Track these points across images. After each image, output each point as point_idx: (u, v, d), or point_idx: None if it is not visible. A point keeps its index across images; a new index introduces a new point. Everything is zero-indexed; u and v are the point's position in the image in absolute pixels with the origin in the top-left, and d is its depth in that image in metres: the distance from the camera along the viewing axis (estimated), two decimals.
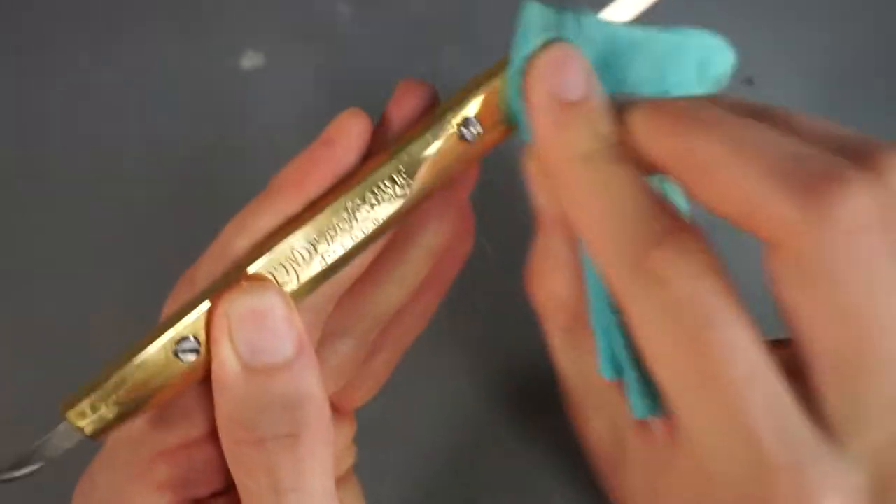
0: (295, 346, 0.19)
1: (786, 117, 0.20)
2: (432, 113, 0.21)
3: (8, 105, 0.37)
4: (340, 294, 0.23)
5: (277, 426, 0.19)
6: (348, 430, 0.27)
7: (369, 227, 0.21)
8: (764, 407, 0.17)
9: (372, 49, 0.37)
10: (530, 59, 0.20)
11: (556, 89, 0.19)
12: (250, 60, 0.37)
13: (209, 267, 0.21)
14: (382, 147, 0.22)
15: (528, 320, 0.34)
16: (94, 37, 0.37)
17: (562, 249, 0.21)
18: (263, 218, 0.21)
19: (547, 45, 0.20)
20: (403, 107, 0.22)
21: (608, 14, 0.22)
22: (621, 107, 0.20)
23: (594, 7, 0.22)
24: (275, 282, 0.20)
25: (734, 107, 0.20)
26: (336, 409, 0.26)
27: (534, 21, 0.20)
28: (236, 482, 0.20)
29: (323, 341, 0.24)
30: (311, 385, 0.20)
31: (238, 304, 0.19)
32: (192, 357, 0.20)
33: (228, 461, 0.20)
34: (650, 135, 0.19)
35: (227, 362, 0.19)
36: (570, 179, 0.19)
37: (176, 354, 0.20)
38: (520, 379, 0.34)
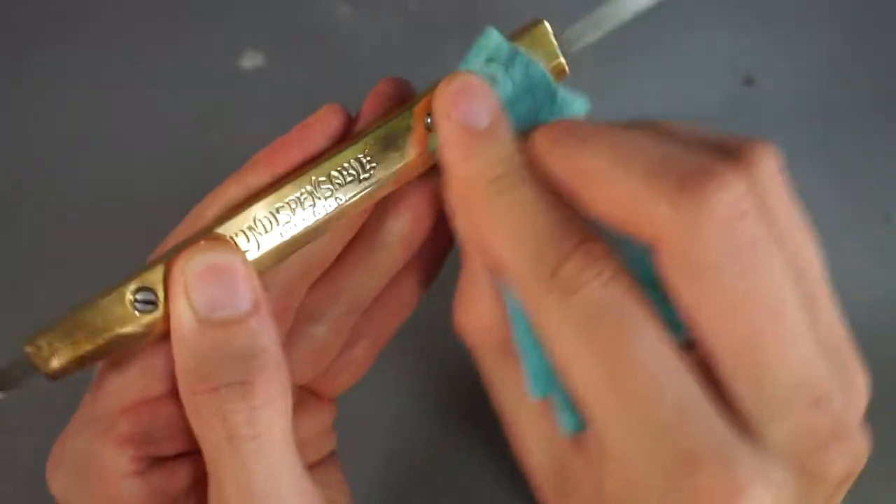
0: (250, 302, 0.20)
1: (663, 125, 0.20)
2: (404, 105, 0.22)
3: (8, 105, 0.37)
4: (313, 279, 0.24)
5: (231, 374, 0.20)
6: (327, 416, 0.28)
7: (331, 206, 0.21)
8: (677, 407, 0.17)
9: (372, 49, 0.37)
10: (436, 89, 0.21)
11: (462, 118, 0.20)
12: (250, 60, 0.37)
13: (181, 236, 0.22)
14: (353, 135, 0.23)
15: None
16: (94, 37, 0.38)
17: (483, 275, 0.22)
18: (232, 189, 0.22)
19: (452, 76, 0.21)
20: (378, 100, 0.23)
21: (600, 15, 0.22)
22: (528, 132, 0.21)
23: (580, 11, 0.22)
24: (234, 244, 0.21)
25: (616, 123, 0.21)
26: (317, 394, 0.27)
27: (485, 47, 0.21)
28: (196, 436, 0.21)
29: (297, 325, 0.24)
30: (266, 339, 0.20)
31: (195, 260, 0.20)
32: (148, 309, 0.21)
33: (188, 414, 0.21)
34: (545, 152, 0.20)
35: (183, 316, 0.20)
36: (480, 204, 0.20)
37: (133, 306, 0.21)
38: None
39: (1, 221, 0.35)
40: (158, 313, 0.21)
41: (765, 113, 0.37)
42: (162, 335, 0.21)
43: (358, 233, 0.24)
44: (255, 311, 0.20)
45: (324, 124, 0.22)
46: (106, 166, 0.36)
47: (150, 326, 0.21)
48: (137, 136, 0.36)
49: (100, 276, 0.21)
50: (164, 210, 0.36)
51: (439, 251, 0.26)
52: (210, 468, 0.21)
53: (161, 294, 0.21)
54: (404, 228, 0.24)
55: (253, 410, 0.20)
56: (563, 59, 0.22)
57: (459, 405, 0.34)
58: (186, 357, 0.20)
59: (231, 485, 0.20)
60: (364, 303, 0.25)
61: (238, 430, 0.20)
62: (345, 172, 0.21)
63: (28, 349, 0.21)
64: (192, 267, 0.20)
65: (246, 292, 0.20)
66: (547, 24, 0.22)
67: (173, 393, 0.22)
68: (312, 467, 0.26)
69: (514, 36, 0.22)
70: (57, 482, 0.22)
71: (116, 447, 0.21)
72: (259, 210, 0.21)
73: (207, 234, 0.21)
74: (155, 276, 0.21)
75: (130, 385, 0.21)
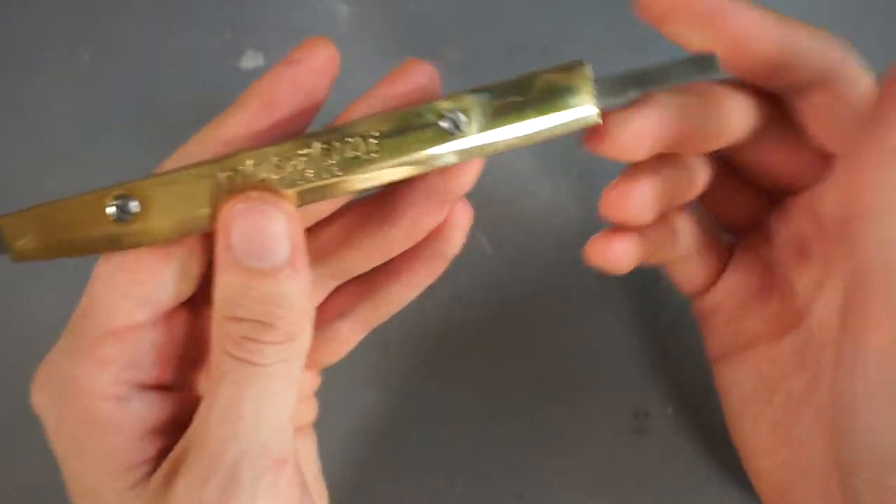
0: (285, 257, 0.21)
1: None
2: (431, 96, 0.22)
3: (8, 105, 0.37)
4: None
5: (255, 313, 0.21)
6: (311, 383, 0.29)
7: (329, 176, 0.21)
8: None
9: (372, 49, 0.37)
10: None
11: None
12: (250, 60, 0.37)
13: (173, 166, 0.22)
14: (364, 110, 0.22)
15: (528, 319, 0.34)
16: (94, 36, 0.38)
17: None
18: (229, 127, 0.22)
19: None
20: (399, 81, 0.23)
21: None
22: None
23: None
24: (290, 195, 0.21)
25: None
26: None
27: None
28: (212, 348, 0.21)
29: None
30: (295, 290, 0.21)
31: (238, 207, 0.21)
32: (125, 217, 0.21)
33: (213, 327, 0.21)
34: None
35: (223, 252, 0.21)
36: None
37: (109, 210, 0.21)
38: (521, 378, 0.34)
39: None
40: (136, 226, 0.21)
41: None
42: (137, 247, 0.21)
43: (354, 204, 0.24)
44: (287, 264, 0.21)
45: (314, 59, 0.22)
46: (105, 166, 0.36)
47: (124, 236, 0.21)
48: (137, 137, 0.36)
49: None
50: None
51: (439, 257, 0.26)
52: (211, 384, 0.21)
53: (142, 209, 0.21)
54: (407, 220, 0.24)
55: (267, 345, 0.21)
56: (598, 111, 0.22)
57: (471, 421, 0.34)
58: (222, 284, 0.21)
59: (221, 400, 0.21)
60: (349, 272, 0.26)
61: (247, 356, 0.21)
62: (348, 145, 0.21)
63: (1, 221, 0.21)
64: (237, 216, 0.21)
65: (283, 247, 0.21)
66: (588, 68, 0.22)
67: (158, 321, 0.22)
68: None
69: (550, 72, 0.22)
70: (39, 400, 0.22)
71: (98, 368, 0.21)
72: (256, 157, 0.21)
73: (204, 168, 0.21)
74: (139, 189, 0.21)
75: (117, 308, 0.22)
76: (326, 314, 0.27)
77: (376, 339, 0.33)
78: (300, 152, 0.21)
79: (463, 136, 0.21)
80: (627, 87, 0.22)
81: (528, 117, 0.21)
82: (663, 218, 0.27)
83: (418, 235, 0.24)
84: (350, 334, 0.27)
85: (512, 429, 0.33)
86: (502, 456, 0.33)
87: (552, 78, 0.22)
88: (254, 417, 0.21)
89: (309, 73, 0.22)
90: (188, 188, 0.21)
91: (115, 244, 0.21)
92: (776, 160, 0.27)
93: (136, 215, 0.21)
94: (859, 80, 0.25)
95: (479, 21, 0.37)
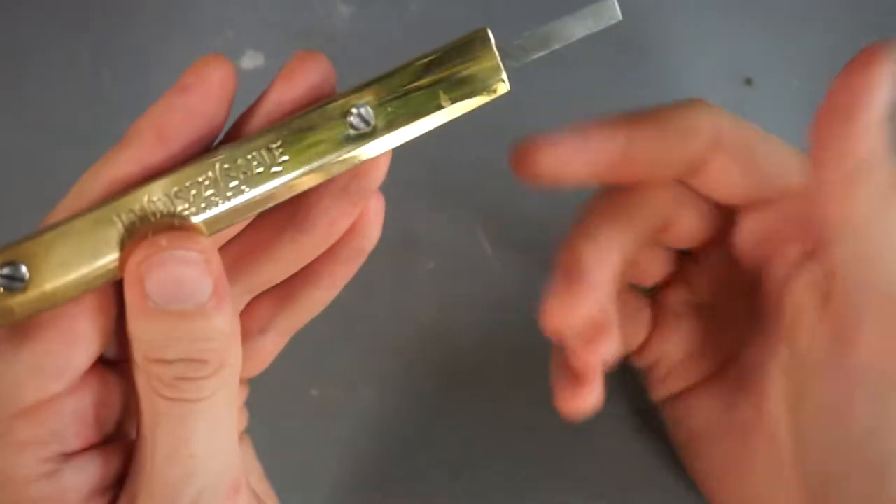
0: (209, 293, 0.19)
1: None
2: (327, 96, 0.20)
3: (9, 105, 0.37)
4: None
5: (185, 352, 0.19)
6: (240, 395, 0.27)
7: (237, 195, 0.20)
8: None
9: (372, 49, 0.37)
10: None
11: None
12: (250, 60, 0.37)
13: (62, 214, 0.20)
14: (263, 118, 0.21)
15: (528, 318, 0.34)
16: (94, 37, 0.38)
17: None
18: (121, 165, 0.20)
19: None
20: (293, 80, 0.21)
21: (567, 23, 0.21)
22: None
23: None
24: (199, 226, 0.20)
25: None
26: None
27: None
28: (139, 394, 0.20)
29: None
30: (222, 322, 0.20)
31: (154, 262, 0.19)
32: (16, 287, 0.19)
33: (135, 371, 0.20)
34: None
35: (137, 302, 0.19)
36: None
37: None
38: (521, 377, 0.34)
39: None
40: (30, 292, 0.19)
41: (765, 113, 0.37)
42: (35, 316, 0.19)
43: (265, 214, 0.22)
44: (211, 298, 0.19)
45: (207, 84, 0.20)
46: None
47: (17, 306, 0.19)
48: None
49: None
50: None
51: (355, 253, 0.25)
52: (145, 429, 0.20)
53: (33, 273, 0.19)
54: (318, 224, 0.23)
55: (203, 380, 0.20)
56: (504, 76, 0.21)
57: (455, 404, 0.34)
58: (139, 330, 0.19)
59: (164, 444, 0.20)
60: (265, 285, 0.24)
61: (184, 395, 0.20)
62: (253, 162, 0.20)
63: None
64: (150, 270, 0.19)
65: (204, 285, 0.19)
66: (490, 33, 0.21)
67: (78, 388, 0.21)
68: None
69: (453, 44, 0.21)
70: None
71: (17, 453, 0.20)
72: (154, 192, 0.19)
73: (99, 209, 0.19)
74: (26, 251, 0.19)
75: (22, 385, 0.20)
76: (246, 330, 0.25)
77: (378, 339, 0.33)
78: (200, 178, 0.19)
79: (372, 131, 0.20)
80: (533, 49, 0.21)
81: (437, 98, 0.20)
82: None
83: (334, 238, 0.23)
84: (273, 346, 0.26)
85: (514, 425, 0.33)
86: (504, 452, 0.33)
87: (455, 52, 0.20)
88: (206, 452, 0.20)
89: (203, 98, 0.20)
90: (84, 239, 0.19)
91: (7, 317, 0.19)
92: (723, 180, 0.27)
93: (28, 281, 0.19)
94: (737, 140, 0.26)
95: (479, 21, 0.37)
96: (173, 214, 0.19)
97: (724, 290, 0.29)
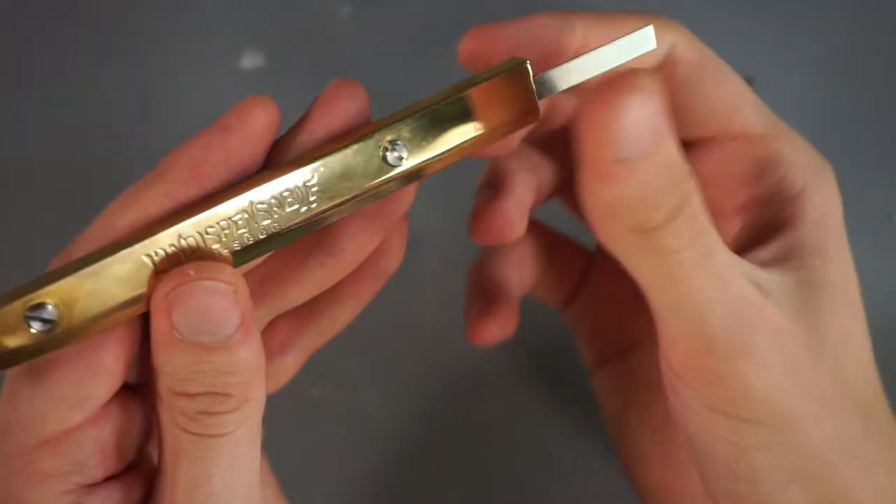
0: (235, 326, 0.19)
1: None
2: (360, 126, 0.20)
3: (9, 104, 0.37)
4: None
5: (210, 386, 0.19)
6: None
7: (270, 231, 0.20)
8: None
9: (372, 49, 0.37)
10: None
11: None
12: (250, 60, 0.37)
13: (88, 246, 0.20)
14: (297, 148, 0.21)
15: (529, 318, 0.34)
16: (94, 37, 0.38)
17: None
18: (151, 199, 0.20)
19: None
20: (330, 111, 0.21)
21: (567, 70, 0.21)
22: None
23: None
24: (227, 256, 0.19)
25: None
26: None
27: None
28: (161, 427, 0.20)
29: None
30: (249, 354, 0.19)
31: (182, 293, 0.19)
32: (45, 329, 0.18)
33: (157, 403, 0.20)
34: None
35: (163, 332, 0.19)
36: None
37: (27, 321, 0.18)
38: (523, 376, 0.34)
39: None
40: (57, 333, 0.19)
41: None
42: (62, 348, 0.19)
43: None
44: (237, 331, 0.19)
45: (249, 126, 0.20)
46: (105, 165, 0.36)
47: (48, 342, 0.19)
48: (138, 136, 0.36)
49: None
50: None
51: (378, 275, 0.25)
52: (166, 464, 0.20)
53: (62, 313, 0.18)
54: (346, 250, 0.22)
55: (226, 414, 0.19)
56: (539, 108, 0.21)
57: (461, 406, 0.34)
58: (163, 362, 0.19)
59: (184, 480, 0.20)
60: (288, 306, 0.24)
61: (207, 430, 0.19)
62: (287, 199, 0.20)
63: None
64: (178, 300, 0.19)
65: (232, 317, 0.19)
66: (529, 65, 0.20)
67: (99, 418, 0.20)
68: None
69: (490, 71, 0.20)
70: None
71: (39, 484, 0.20)
72: (186, 229, 0.19)
73: (123, 246, 0.19)
74: (56, 291, 0.18)
75: (44, 415, 0.19)
76: (267, 349, 0.25)
77: (378, 339, 0.33)
78: (233, 216, 0.19)
79: (407, 164, 0.20)
80: (570, 78, 0.21)
81: (471, 130, 0.20)
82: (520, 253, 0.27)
83: (360, 261, 0.23)
84: (293, 364, 0.26)
85: (515, 425, 0.33)
86: (504, 452, 0.33)
87: (492, 84, 0.20)
88: (226, 490, 0.20)
89: (244, 141, 0.20)
90: (114, 278, 0.19)
91: (41, 353, 0.19)
92: None
93: (56, 322, 0.19)
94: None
95: (479, 21, 0.37)
96: (201, 249, 0.19)
97: None
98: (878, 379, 0.23)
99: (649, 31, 0.21)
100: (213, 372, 0.19)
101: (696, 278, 0.19)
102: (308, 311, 0.25)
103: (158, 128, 0.36)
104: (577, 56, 0.21)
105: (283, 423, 0.31)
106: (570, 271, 0.29)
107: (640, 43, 0.21)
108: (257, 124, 0.20)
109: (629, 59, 0.21)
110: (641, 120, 0.18)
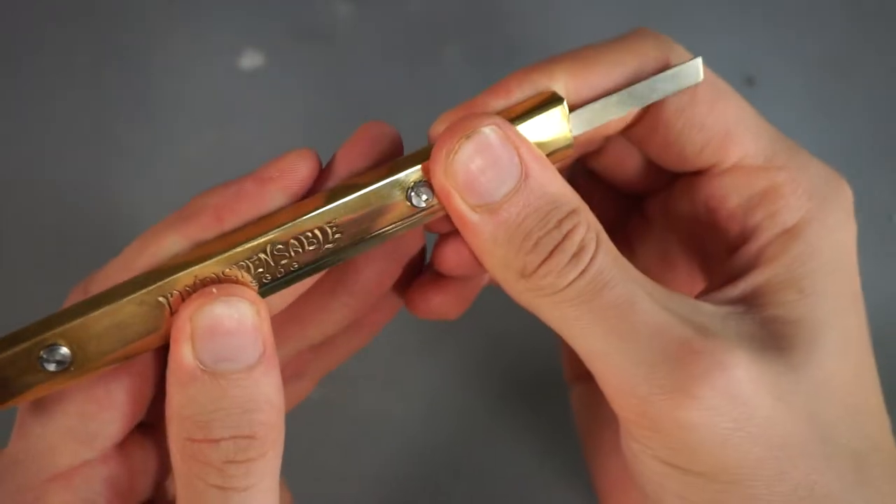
0: (258, 355, 0.19)
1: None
2: (383, 168, 0.20)
3: (9, 105, 0.37)
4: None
5: (234, 427, 0.18)
6: None
7: (286, 271, 0.19)
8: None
9: (372, 49, 0.37)
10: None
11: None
12: (250, 60, 0.37)
13: (105, 281, 0.20)
14: (323, 188, 0.20)
15: (531, 320, 0.34)
16: (94, 37, 0.38)
17: None
18: (172, 240, 0.19)
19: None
20: (357, 153, 0.20)
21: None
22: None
23: None
24: (249, 282, 0.19)
25: None
26: None
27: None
28: (179, 478, 0.19)
29: None
30: (271, 389, 0.19)
31: (205, 311, 0.18)
32: (59, 369, 0.19)
33: (175, 456, 0.19)
34: None
35: (185, 363, 0.18)
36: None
37: (40, 361, 0.18)
38: (524, 376, 0.34)
39: None
40: (71, 372, 0.19)
41: (765, 113, 0.37)
42: (72, 384, 0.19)
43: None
44: (261, 362, 0.19)
45: (288, 179, 0.20)
46: (104, 165, 0.36)
47: (62, 379, 0.19)
48: (137, 136, 0.36)
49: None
50: (162, 210, 0.36)
51: (393, 306, 0.25)
52: None
53: (76, 353, 0.19)
54: (365, 282, 0.22)
55: (251, 462, 0.19)
56: (572, 142, 0.20)
57: (479, 403, 0.34)
58: (184, 403, 0.18)
59: None
60: (311, 343, 0.24)
61: (232, 482, 0.18)
62: (306, 240, 0.19)
63: None
64: (201, 319, 0.18)
65: (256, 344, 0.19)
66: (566, 103, 0.20)
67: (111, 456, 0.20)
68: None
69: (524, 106, 0.20)
70: None
71: None
72: (203, 271, 0.19)
73: (142, 284, 0.19)
74: (72, 332, 0.18)
75: (59, 449, 0.19)
76: (284, 374, 0.25)
77: (378, 339, 0.33)
78: (251, 258, 0.19)
79: (430, 204, 0.19)
80: (609, 112, 0.20)
81: None
82: None
83: (380, 296, 0.23)
84: (307, 386, 0.26)
85: (516, 424, 0.33)
86: (505, 452, 0.33)
87: (529, 126, 0.19)
88: None
89: (279, 193, 0.20)
90: (130, 319, 0.19)
91: (54, 388, 0.19)
92: (626, 169, 0.25)
93: (71, 362, 0.19)
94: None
95: (479, 21, 0.37)
96: (225, 275, 0.19)
97: (665, 256, 0.25)
98: (884, 425, 0.21)
99: (698, 63, 0.20)
100: (237, 409, 0.18)
101: (597, 315, 0.19)
102: (326, 340, 0.25)
103: (158, 128, 0.36)
104: (619, 90, 0.20)
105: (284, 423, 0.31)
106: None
107: (690, 75, 0.20)
108: (296, 178, 0.20)
109: (674, 91, 0.20)
110: (484, 166, 0.18)
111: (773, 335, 0.19)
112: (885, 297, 0.35)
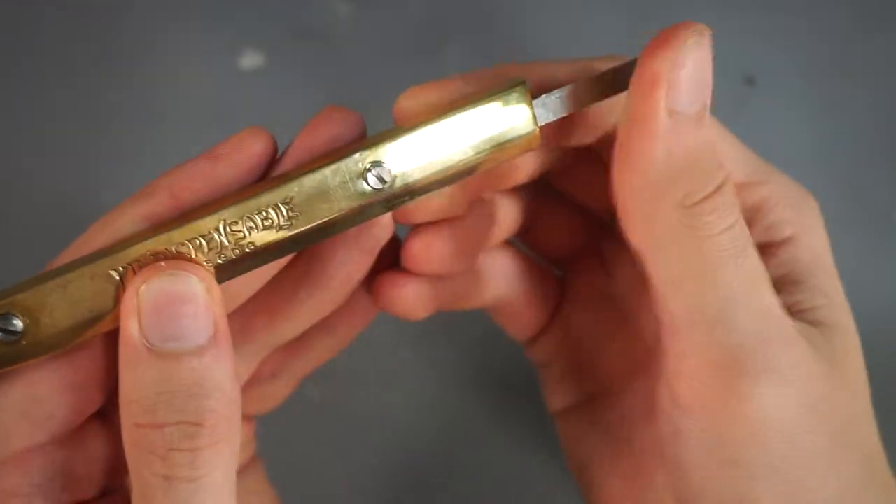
0: (208, 335, 0.18)
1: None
2: (342, 150, 0.19)
3: (9, 105, 0.37)
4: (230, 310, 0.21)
5: (180, 412, 0.18)
6: (247, 429, 0.26)
7: (242, 251, 0.19)
8: None
9: (372, 49, 0.37)
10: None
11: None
12: (250, 60, 0.37)
13: (64, 261, 0.19)
14: (281, 170, 0.20)
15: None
16: (94, 37, 0.37)
17: None
18: (128, 218, 0.19)
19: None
20: (317, 135, 0.20)
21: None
22: None
23: None
24: (202, 261, 0.19)
25: None
26: None
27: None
28: (129, 467, 0.18)
29: None
30: (221, 375, 0.18)
31: (153, 284, 0.18)
32: (9, 339, 0.18)
33: (125, 442, 0.18)
34: None
35: (132, 340, 0.18)
36: None
37: None
38: (523, 376, 0.34)
39: None
40: (25, 341, 0.18)
41: (766, 113, 0.37)
42: (28, 362, 0.19)
43: (279, 273, 0.22)
44: (212, 344, 0.18)
45: (239, 156, 0.19)
46: (104, 164, 0.36)
47: (12, 354, 0.18)
48: (137, 136, 0.36)
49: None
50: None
51: (371, 298, 0.24)
52: None
53: (28, 324, 0.18)
54: (333, 273, 0.22)
55: (198, 451, 0.18)
56: (537, 132, 0.19)
57: (482, 397, 0.34)
58: (132, 385, 0.18)
59: None
60: (281, 341, 0.23)
61: (178, 472, 0.18)
62: (261, 220, 0.19)
63: None
64: (149, 292, 0.18)
65: (205, 324, 0.18)
66: (526, 88, 0.19)
67: (70, 439, 0.20)
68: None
69: (487, 92, 0.19)
70: None
71: (3, 501, 0.19)
72: (156, 245, 0.18)
73: (95, 262, 0.18)
74: (22, 302, 0.18)
75: (12, 431, 0.19)
76: (258, 374, 0.24)
77: (378, 339, 0.33)
78: (204, 233, 0.19)
79: (389, 188, 0.19)
80: (572, 104, 0.20)
81: (463, 155, 0.19)
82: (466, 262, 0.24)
83: (349, 290, 0.22)
84: (285, 388, 0.26)
85: (515, 424, 0.33)
86: (504, 452, 0.33)
87: (489, 108, 0.19)
88: None
89: (232, 169, 0.19)
90: (81, 291, 0.18)
91: (5, 364, 0.18)
92: (596, 188, 0.24)
93: (22, 333, 0.18)
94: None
95: (479, 21, 0.37)
96: (179, 253, 0.19)
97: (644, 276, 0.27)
98: (875, 430, 0.21)
99: (634, 64, 0.19)
100: (184, 392, 0.18)
101: (729, 273, 0.18)
102: (299, 341, 0.24)
103: (158, 128, 0.36)
104: (581, 80, 0.19)
105: (284, 423, 0.31)
106: (541, 299, 0.27)
107: (627, 75, 0.19)
108: (247, 154, 0.19)
109: (620, 90, 0.19)
110: (697, 73, 0.17)
111: (819, 336, 0.20)
112: (885, 297, 0.35)
